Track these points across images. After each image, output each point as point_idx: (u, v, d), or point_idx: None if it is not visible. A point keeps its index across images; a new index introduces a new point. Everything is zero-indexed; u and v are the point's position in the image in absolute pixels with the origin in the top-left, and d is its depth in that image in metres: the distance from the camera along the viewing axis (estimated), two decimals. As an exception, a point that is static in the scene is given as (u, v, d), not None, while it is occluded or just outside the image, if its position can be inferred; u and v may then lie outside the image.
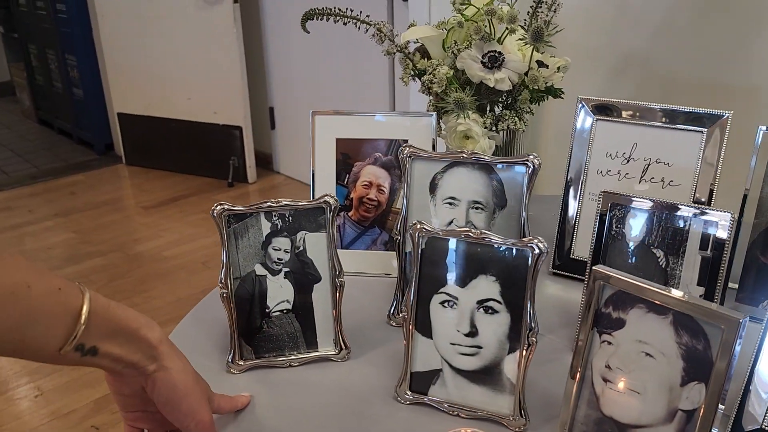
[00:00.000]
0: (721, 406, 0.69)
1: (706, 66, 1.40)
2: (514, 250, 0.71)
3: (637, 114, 0.98)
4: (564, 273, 1.05)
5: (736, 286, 0.94)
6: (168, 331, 0.96)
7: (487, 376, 0.74)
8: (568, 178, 1.04)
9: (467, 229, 0.72)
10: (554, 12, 1.03)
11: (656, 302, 0.61)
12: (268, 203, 0.81)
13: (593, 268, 0.66)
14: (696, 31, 1.40)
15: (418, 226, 0.74)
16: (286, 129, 3.77)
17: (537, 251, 0.69)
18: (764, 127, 0.90)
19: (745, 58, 1.36)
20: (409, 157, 0.89)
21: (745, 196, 0.92)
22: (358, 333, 0.90)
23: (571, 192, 1.04)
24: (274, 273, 0.83)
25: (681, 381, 0.61)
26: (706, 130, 0.93)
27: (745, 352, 0.70)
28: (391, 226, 1.04)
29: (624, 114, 0.99)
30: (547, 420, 0.74)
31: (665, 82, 1.41)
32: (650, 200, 0.80)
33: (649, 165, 0.98)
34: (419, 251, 0.74)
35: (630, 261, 0.82)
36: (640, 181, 0.99)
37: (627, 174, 0.99)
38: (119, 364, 0.61)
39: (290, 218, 0.82)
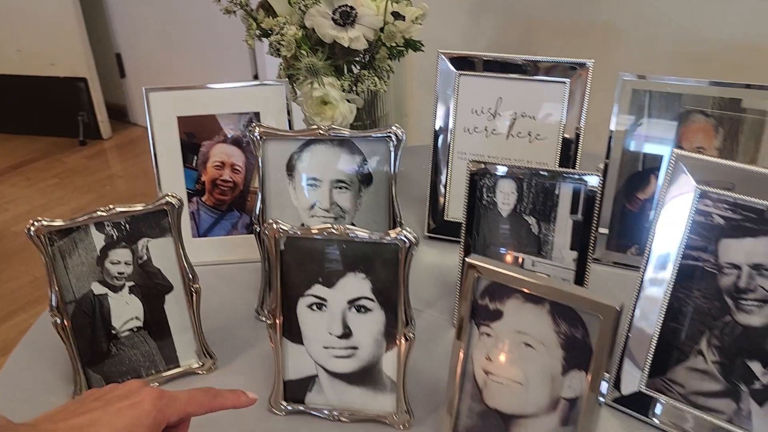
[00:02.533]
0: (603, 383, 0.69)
1: (567, 8, 1.37)
2: (382, 245, 0.64)
3: (500, 67, 0.93)
4: (439, 236, 1.01)
5: (607, 231, 0.95)
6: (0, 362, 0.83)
7: (366, 376, 0.69)
8: (436, 137, 0.98)
9: (328, 225, 0.65)
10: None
11: (532, 292, 0.58)
12: (98, 212, 0.69)
13: (466, 260, 0.61)
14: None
15: (275, 226, 0.65)
16: (139, 76, 3.44)
17: (407, 243, 0.64)
18: (625, 75, 0.88)
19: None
20: (261, 137, 0.79)
21: (609, 143, 0.91)
22: (224, 333, 0.82)
23: (440, 153, 0.99)
24: (116, 289, 0.72)
25: (562, 370, 0.58)
26: (568, 80, 0.90)
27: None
28: (251, 208, 0.95)
29: (486, 67, 0.94)
30: (432, 410, 0.71)
31: (527, 26, 1.37)
32: (519, 167, 0.76)
33: (515, 119, 0.94)
34: (278, 253, 0.66)
35: (503, 230, 0.79)
36: (507, 137, 0.95)
37: (494, 130, 0.95)
38: None
39: (127, 226, 0.71)
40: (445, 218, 1.01)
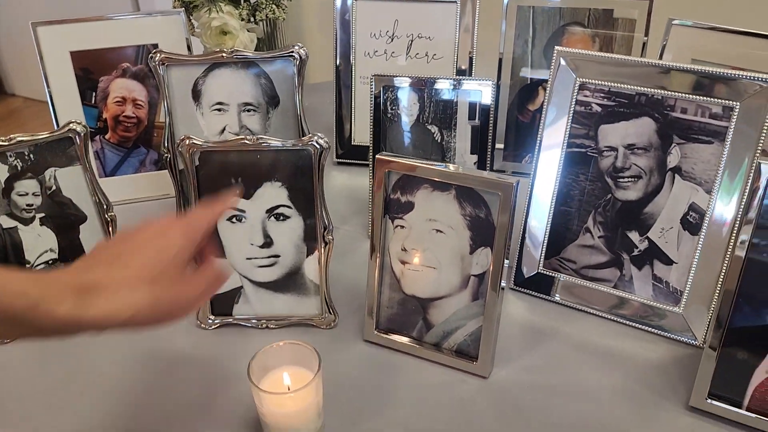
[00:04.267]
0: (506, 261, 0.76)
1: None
2: (295, 151, 0.67)
3: (394, -11, 0.96)
4: (348, 161, 1.05)
5: (503, 146, 1.02)
6: None
7: (290, 282, 0.72)
8: (338, 63, 1.01)
9: (241, 137, 0.67)
10: None
11: (438, 180, 0.63)
12: (-2, 142, 0.67)
13: (376, 156, 0.65)
14: None
15: (187, 141, 0.66)
16: (10, 41, 3.20)
17: (319, 148, 0.67)
18: (509, -8, 0.94)
19: None
20: (162, 64, 0.79)
21: (500, 60, 0.97)
22: (144, 266, 0.83)
23: (342, 78, 1.02)
24: (26, 222, 0.71)
25: (470, 249, 0.64)
26: (458, 0, 0.95)
27: (519, 208, 0.76)
28: (158, 143, 0.94)
29: (381, -9, 0.97)
30: (356, 310, 0.75)
31: None
32: (417, 78, 0.81)
33: (412, 41, 0.98)
34: (193, 169, 0.68)
35: (408, 140, 0.83)
36: (406, 59, 0.99)
37: (393, 53, 0.99)
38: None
39: (32, 156, 0.69)
40: (353, 143, 1.04)
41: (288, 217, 0.70)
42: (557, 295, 0.76)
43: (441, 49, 0.97)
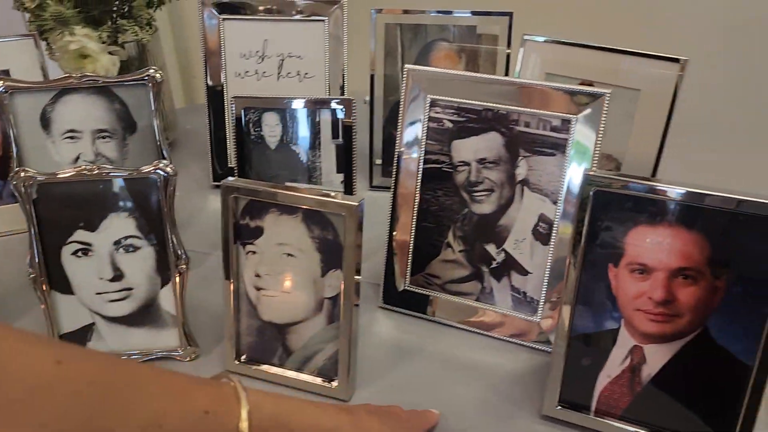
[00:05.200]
0: (372, 281, 0.75)
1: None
2: (140, 180, 0.65)
3: (261, 8, 0.95)
4: (226, 183, 1.02)
5: (380, 162, 1.02)
6: None
7: (145, 315, 0.69)
8: (208, 85, 0.99)
9: (81, 166, 0.64)
10: None
11: (285, 204, 0.62)
12: None
13: (222, 182, 0.63)
14: None
15: (21, 174, 0.63)
16: None
17: (164, 175, 0.65)
18: (377, 10, 0.94)
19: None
20: (6, 92, 0.75)
21: (371, 77, 0.97)
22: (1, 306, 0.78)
23: (216, 100, 0.99)
24: None
25: (321, 272, 0.63)
26: (326, 18, 0.95)
27: (383, 225, 0.76)
28: (16, 174, 0.89)
29: (249, 10, 0.95)
30: (218, 340, 0.73)
31: None
32: (278, 98, 0.80)
33: (283, 60, 0.97)
34: (30, 203, 0.64)
35: (274, 161, 0.82)
36: (278, 78, 0.98)
37: (265, 72, 0.98)
38: None
39: None
40: (230, 164, 1.02)
41: (138, 248, 0.67)
42: (425, 311, 0.76)
43: (312, 68, 0.97)
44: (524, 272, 0.71)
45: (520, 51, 0.84)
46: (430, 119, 0.71)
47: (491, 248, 0.72)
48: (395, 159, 0.74)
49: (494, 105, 0.68)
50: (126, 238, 0.66)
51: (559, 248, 0.68)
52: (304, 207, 0.61)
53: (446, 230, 0.74)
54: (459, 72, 0.70)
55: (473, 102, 0.69)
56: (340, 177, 0.82)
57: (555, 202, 0.68)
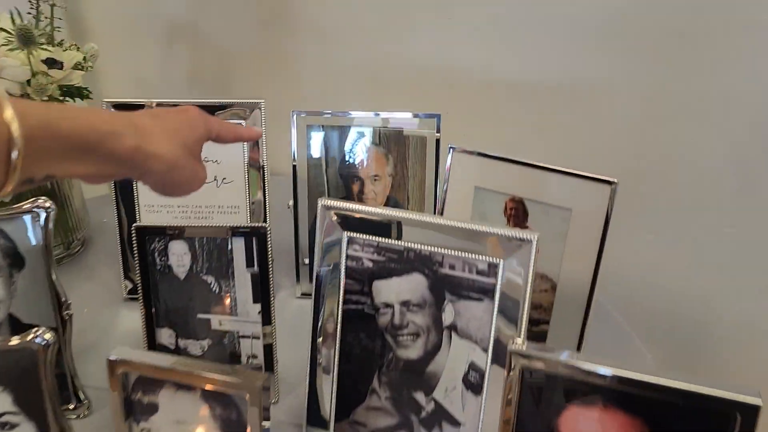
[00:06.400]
0: (294, 421, 0.68)
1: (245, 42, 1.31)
2: (14, 351, 0.57)
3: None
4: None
5: (308, 261, 0.95)
6: None
7: (29, 497, 0.61)
8: (117, 193, 0.91)
9: (-58, 343, 0.55)
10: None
11: (181, 380, 0.55)
12: None
13: (108, 358, 0.56)
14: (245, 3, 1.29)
15: None
16: None
17: (44, 344, 0.57)
18: (298, 113, 0.89)
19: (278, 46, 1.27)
20: None
21: (294, 182, 0.91)
22: None
23: (128, 214, 0.92)
24: None
25: (226, 452, 0.56)
26: (244, 121, 0.89)
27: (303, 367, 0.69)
28: None
29: (158, 114, 0.88)
30: None
31: (219, 51, 1.32)
32: (187, 227, 0.73)
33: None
34: None
35: (184, 293, 0.75)
36: (193, 184, 0.91)
37: (178, 178, 0.90)
38: (91, 178, 0.48)
39: None
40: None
41: (16, 425, 0.59)
42: (352, 458, 0.70)
43: (230, 173, 0.90)
44: (456, 423, 0.65)
45: (447, 159, 0.79)
46: (349, 257, 0.65)
47: (420, 396, 0.66)
48: (313, 296, 0.67)
49: (416, 246, 0.63)
50: (2, 415, 0.58)
51: (492, 399, 0.62)
52: (202, 387, 0.54)
53: (371, 375, 0.67)
54: (378, 209, 0.64)
55: (393, 241, 0.63)
56: (257, 307, 0.75)
57: (485, 350, 0.62)
